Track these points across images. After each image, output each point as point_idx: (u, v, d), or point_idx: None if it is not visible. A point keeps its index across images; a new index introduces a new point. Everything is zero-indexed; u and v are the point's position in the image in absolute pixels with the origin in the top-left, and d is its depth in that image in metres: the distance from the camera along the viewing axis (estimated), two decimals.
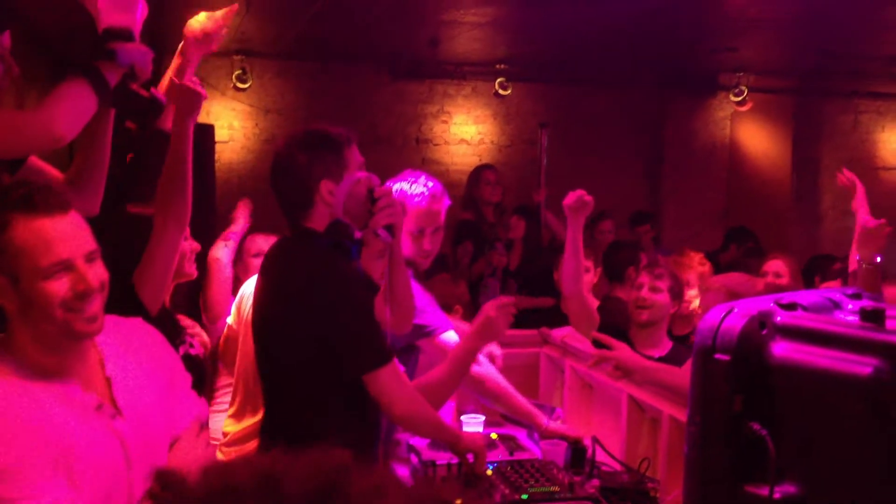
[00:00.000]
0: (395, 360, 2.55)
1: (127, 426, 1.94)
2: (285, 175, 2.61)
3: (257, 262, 3.69)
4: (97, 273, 1.85)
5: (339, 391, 2.54)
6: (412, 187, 3.25)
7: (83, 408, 1.87)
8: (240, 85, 8.65)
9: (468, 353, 2.91)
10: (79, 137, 2.35)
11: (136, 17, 2.44)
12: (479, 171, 7.67)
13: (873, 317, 1.22)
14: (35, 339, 1.82)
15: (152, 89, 2.46)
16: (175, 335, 2.75)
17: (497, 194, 7.35)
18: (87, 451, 1.82)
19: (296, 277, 2.55)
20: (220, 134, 8.48)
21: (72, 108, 2.20)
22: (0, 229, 1.76)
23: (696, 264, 4.54)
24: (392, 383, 2.53)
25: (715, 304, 3.37)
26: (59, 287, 1.78)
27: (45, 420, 1.78)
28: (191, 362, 2.75)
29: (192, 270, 2.98)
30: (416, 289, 3.19)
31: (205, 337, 3.00)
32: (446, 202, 3.27)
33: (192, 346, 2.83)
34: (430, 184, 3.27)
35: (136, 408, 1.98)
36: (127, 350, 2.05)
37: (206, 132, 7.06)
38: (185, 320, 2.92)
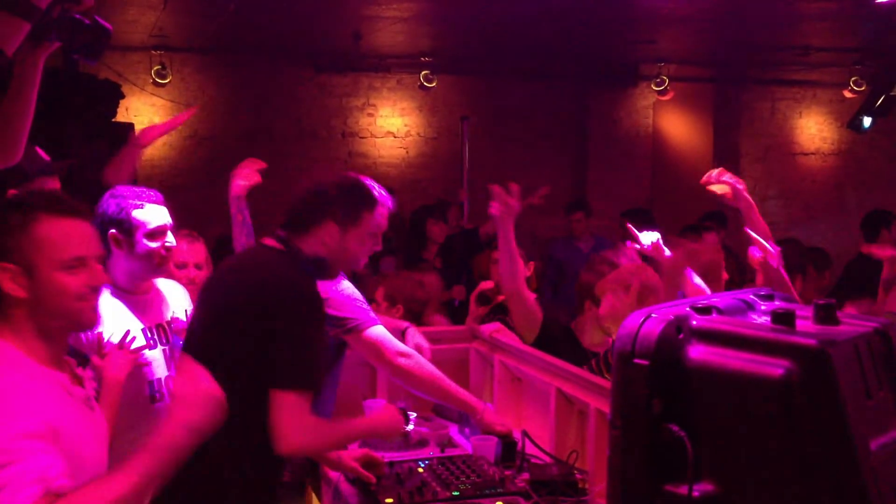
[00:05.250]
0: (310, 399, 2.51)
1: (98, 419, 2.11)
2: (306, 195, 2.74)
3: (182, 274, 3.60)
4: (104, 275, 2.06)
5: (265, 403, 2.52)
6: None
7: (77, 398, 2.01)
8: (159, 80, 8.49)
9: (367, 433, 2.94)
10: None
11: None
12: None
13: (784, 319, 1.26)
14: (38, 331, 1.95)
15: (95, 17, 2.35)
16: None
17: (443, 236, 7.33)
18: (83, 440, 1.94)
19: (269, 278, 2.59)
20: None
21: None
22: (25, 223, 1.93)
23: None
24: (294, 414, 2.47)
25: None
26: (76, 280, 1.96)
27: (43, 397, 1.87)
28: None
29: None
30: (346, 285, 3.21)
31: None
32: None
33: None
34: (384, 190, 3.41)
35: (96, 403, 2.16)
36: None
37: (127, 130, 6.93)
38: None
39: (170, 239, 3.05)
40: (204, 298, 2.79)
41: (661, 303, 2.70)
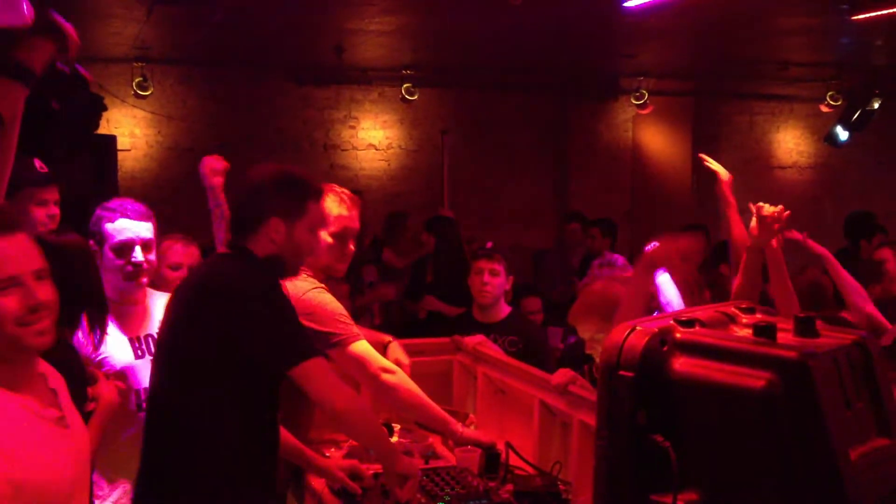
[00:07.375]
0: (326, 362, 2.57)
1: (75, 437, 2.01)
2: (245, 196, 2.72)
3: (176, 275, 3.60)
4: (46, 290, 1.90)
5: (241, 411, 2.56)
6: (330, 196, 3.32)
7: (45, 421, 1.92)
8: (140, 92, 8.47)
9: (391, 450, 2.87)
10: None
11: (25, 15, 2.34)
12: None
13: (765, 332, 1.29)
14: None
15: (76, 65, 2.36)
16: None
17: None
18: (45, 459, 1.87)
19: (225, 282, 2.60)
20: (122, 142, 8.29)
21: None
22: None
23: None
24: (325, 376, 2.55)
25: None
26: (10, 302, 1.83)
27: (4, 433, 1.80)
28: None
29: None
30: (328, 299, 3.22)
31: None
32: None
33: None
34: (345, 191, 3.41)
35: (75, 419, 2.05)
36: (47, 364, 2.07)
37: (108, 142, 6.90)
38: None
39: (137, 255, 3.02)
40: (169, 309, 2.78)
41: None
